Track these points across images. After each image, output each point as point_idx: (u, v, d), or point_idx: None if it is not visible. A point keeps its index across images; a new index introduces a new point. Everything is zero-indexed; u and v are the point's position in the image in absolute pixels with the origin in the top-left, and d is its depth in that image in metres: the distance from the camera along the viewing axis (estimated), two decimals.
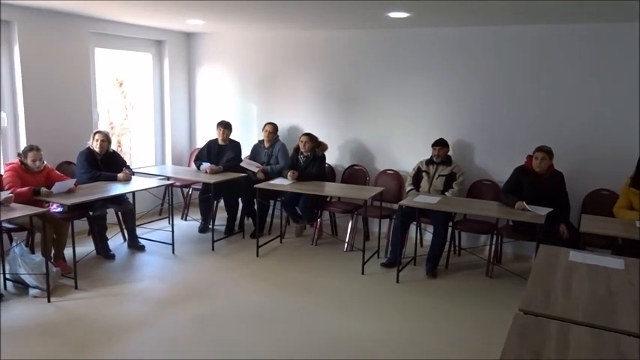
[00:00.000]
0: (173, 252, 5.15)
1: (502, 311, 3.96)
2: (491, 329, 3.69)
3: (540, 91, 4.98)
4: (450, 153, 5.15)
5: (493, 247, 4.84)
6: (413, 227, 5.20)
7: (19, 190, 4.16)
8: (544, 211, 4.19)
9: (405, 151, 5.65)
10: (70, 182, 4.42)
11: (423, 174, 5.12)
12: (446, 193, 4.95)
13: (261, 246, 5.23)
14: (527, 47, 4.97)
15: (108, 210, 5.08)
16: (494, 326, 3.73)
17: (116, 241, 5.28)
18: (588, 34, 4.69)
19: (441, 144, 5.07)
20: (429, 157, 5.16)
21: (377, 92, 5.74)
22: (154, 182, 5.30)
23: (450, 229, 4.95)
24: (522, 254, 5.20)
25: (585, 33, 4.70)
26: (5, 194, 3.96)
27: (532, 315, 2.21)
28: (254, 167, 5.75)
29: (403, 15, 4.54)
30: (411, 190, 5.13)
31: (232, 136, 5.96)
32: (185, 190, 6.43)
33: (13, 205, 3.96)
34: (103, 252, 4.95)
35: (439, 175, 5.03)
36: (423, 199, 4.64)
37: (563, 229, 4.32)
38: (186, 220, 6.33)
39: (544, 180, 4.48)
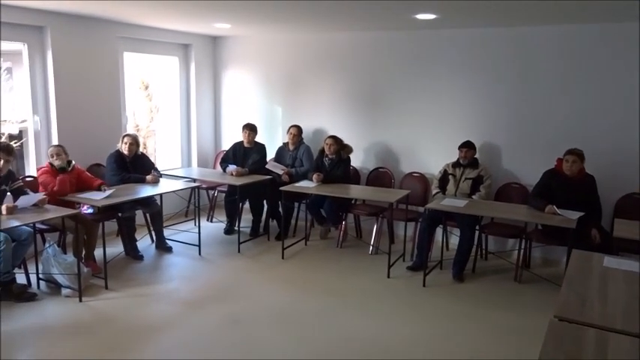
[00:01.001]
0: (200, 253, 5.21)
1: (532, 317, 3.91)
2: (521, 335, 3.64)
3: (570, 92, 4.89)
4: (476, 155, 5.10)
5: (522, 251, 4.76)
6: (439, 230, 5.15)
7: (57, 186, 4.28)
8: (575, 215, 4.11)
9: (430, 153, 5.61)
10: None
11: (450, 177, 5.08)
12: (473, 197, 4.89)
13: (286, 248, 5.24)
14: (555, 48, 4.89)
15: (136, 211, 5.16)
16: (524, 332, 3.67)
17: (144, 243, 5.36)
18: (621, 34, 4.58)
19: (467, 146, 5.02)
20: (455, 159, 5.11)
21: (402, 94, 5.71)
22: (180, 184, 5.37)
23: (476, 233, 4.89)
24: (551, 259, 5.11)
25: (618, 33, 4.60)
26: (39, 196, 4.05)
27: (567, 322, 2.16)
28: (279, 170, 5.78)
29: (430, 17, 4.51)
30: (437, 193, 5.09)
31: (257, 139, 6.00)
32: (211, 192, 6.49)
33: (46, 206, 4.05)
34: (132, 253, 5.03)
35: (466, 178, 4.98)
36: (450, 203, 4.60)
37: (595, 233, 4.24)
38: (211, 221, 6.39)
39: (575, 183, 4.40)
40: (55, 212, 3.99)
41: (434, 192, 5.14)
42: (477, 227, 4.88)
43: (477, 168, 5.00)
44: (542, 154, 4.96)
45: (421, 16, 4.52)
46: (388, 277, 4.70)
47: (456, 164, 5.09)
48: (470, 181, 4.96)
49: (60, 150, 4.46)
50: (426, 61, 5.53)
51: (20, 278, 4.14)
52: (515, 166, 5.23)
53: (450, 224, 4.98)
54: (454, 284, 4.59)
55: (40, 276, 4.26)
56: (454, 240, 5.21)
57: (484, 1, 3.75)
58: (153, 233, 5.40)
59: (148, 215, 5.38)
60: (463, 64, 5.35)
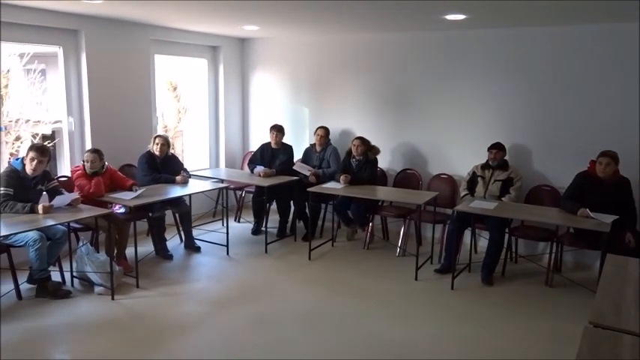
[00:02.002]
0: (228, 253, 5.26)
1: (565, 322, 3.84)
2: (553, 341, 3.57)
3: (603, 93, 4.78)
4: (506, 157, 5.02)
5: (553, 255, 4.67)
6: (467, 233, 5.09)
7: (93, 188, 4.40)
8: (609, 218, 4.02)
9: (459, 155, 5.55)
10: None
11: (479, 179, 5.02)
12: (503, 199, 4.82)
13: (313, 249, 5.26)
14: (588, 47, 4.78)
15: (166, 211, 5.24)
16: (556, 338, 3.61)
17: (173, 242, 5.44)
18: None
19: (497, 147, 4.95)
20: (484, 161, 5.05)
21: (430, 95, 5.67)
22: (209, 185, 5.44)
23: (506, 236, 4.82)
24: (583, 263, 5.00)
25: None
26: (73, 196, 4.15)
27: (603, 328, 2.12)
28: (306, 171, 5.80)
29: (460, 17, 4.47)
30: (465, 195, 5.03)
31: (284, 140, 6.04)
32: (238, 192, 6.56)
33: (80, 206, 4.16)
34: (162, 252, 5.11)
35: (495, 180, 4.91)
36: (480, 205, 4.54)
37: (630, 237, 4.13)
38: (239, 222, 6.45)
39: (608, 186, 4.30)
40: (88, 212, 4.09)
41: (462, 194, 5.08)
42: (507, 230, 4.80)
43: (507, 170, 4.93)
44: (575, 156, 4.86)
45: (450, 17, 4.48)
46: (416, 279, 4.67)
47: (485, 166, 5.02)
48: (499, 183, 4.89)
49: (95, 157, 4.54)
50: (454, 61, 5.48)
51: (55, 276, 4.25)
52: (546, 168, 5.13)
53: (479, 227, 4.92)
54: (483, 287, 4.53)
55: (74, 274, 4.37)
56: (482, 242, 5.14)
57: (516, 0, 3.70)
58: (182, 233, 5.48)
59: (177, 215, 5.47)
60: (493, 65, 5.28)
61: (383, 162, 5.83)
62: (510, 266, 4.98)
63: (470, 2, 3.84)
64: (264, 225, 5.81)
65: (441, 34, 5.48)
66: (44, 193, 4.19)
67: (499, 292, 4.43)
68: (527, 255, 5.16)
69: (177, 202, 5.18)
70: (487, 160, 5.00)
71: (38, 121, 10.73)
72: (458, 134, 5.56)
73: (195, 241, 5.44)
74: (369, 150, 5.49)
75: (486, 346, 3.50)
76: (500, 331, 3.73)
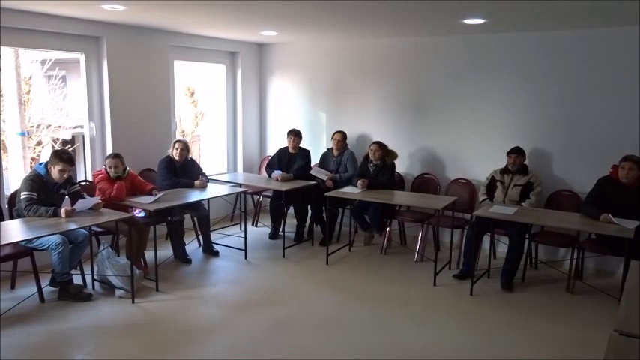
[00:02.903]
0: (245, 257, 5.29)
1: (587, 329, 3.78)
2: (575, 348, 3.52)
3: (625, 97, 4.71)
4: (526, 162, 4.98)
5: (574, 261, 4.60)
6: (485, 238, 5.04)
7: (115, 192, 4.48)
8: (632, 224, 3.96)
9: (477, 159, 5.51)
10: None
11: (498, 184, 4.98)
12: (522, 204, 4.78)
13: (330, 254, 5.26)
14: (609, 51, 4.72)
15: (185, 216, 5.29)
16: (578, 345, 3.56)
17: (192, 246, 5.48)
18: None
19: (517, 152, 4.91)
20: (503, 166, 5.01)
21: (448, 99, 5.64)
22: (227, 189, 5.48)
23: (526, 241, 4.77)
24: (605, 269, 4.92)
25: None
26: (95, 200, 4.22)
27: (628, 336, 2.08)
28: (323, 175, 5.80)
29: (479, 21, 4.45)
30: (484, 200, 5.00)
31: (302, 144, 6.06)
32: (255, 197, 6.59)
33: (101, 210, 4.21)
34: (181, 256, 5.16)
35: (515, 185, 4.87)
36: (499, 210, 4.51)
37: None
38: (256, 226, 6.48)
39: (631, 191, 4.23)
40: (109, 216, 4.14)
41: (481, 199, 5.05)
42: (527, 235, 4.76)
43: (527, 175, 4.89)
44: (596, 161, 4.80)
45: (470, 21, 4.46)
46: (434, 284, 4.64)
47: (504, 171, 4.98)
48: (519, 188, 4.84)
49: (118, 162, 4.62)
50: (473, 65, 5.45)
51: (76, 279, 4.31)
52: (566, 173, 5.07)
53: (498, 232, 4.87)
54: (503, 293, 4.49)
55: (95, 277, 4.43)
56: (501, 248, 5.10)
57: (537, 1, 3.65)
58: (200, 237, 5.52)
59: (195, 219, 5.51)
60: (512, 69, 5.24)
61: (400, 167, 5.82)
62: (530, 272, 4.93)
63: (489, 6, 3.82)
64: (281, 229, 5.83)
65: (460, 39, 5.46)
66: (66, 197, 4.25)
67: (519, 299, 4.39)
68: (547, 261, 5.09)
69: (196, 207, 5.23)
70: (506, 165, 4.97)
71: (59, 127, 10.94)
72: (476, 139, 5.52)
73: (214, 245, 5.48)
74: (386, 155, 5.48)
75: (507, 354, 3.46)
76: (522, 338, 3.68)
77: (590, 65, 4.84)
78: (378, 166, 5.46)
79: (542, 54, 5.07)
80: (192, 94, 12.90)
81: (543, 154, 5.17)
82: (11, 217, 4.21)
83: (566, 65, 4.96)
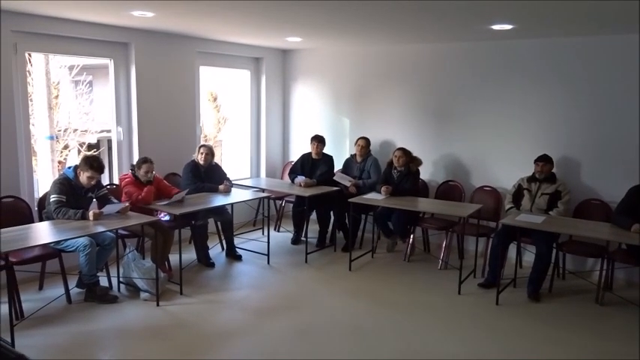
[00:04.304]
0: (268, 262, 5.29)
1: (617, 342, 3.69)
2: None
3: None
4: (554, 170, 4.89)
5: (604, 271, 4.49)
6: (511, 247, 4.96)
7: (144, 195, 4.54)
8: None
9: (503, 167, 5.44)
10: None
11: (525, 192, 4.90)
12: (550, 213, 4.69)
13: (353, 260, 5.23)
14: (638, 57, 4.63)
15: (208, 220, 5.32)
16: (607, 358, 3.46)
17: (215, 250, 5.51)
18: None
19: (544, 160, 4.82)
20: (530, 174, 4.93)
21: (474, 106, 5.59)
22: (250, 194, 5.50)
23: (554, 251, 4.67)
24: (636, 281, 4.79)
25: None
26: (123, 205, 4.26)
27: None
28: (346, 181, 5.78)
29: (507, 27, 4.40)
30: (510, 208, 4.92)
31: (325, 150, 6.05)
32: (278, 202, 6.60)
33: (128, 213, 4.26)
34: (204, 260, 5.18)
35: (542, 194, 4.79)
36: (527, 218, 4.43)
37: None
38: (278, 231, 6.49)
39: None
40: (136, 219, 4.19)
41: (507, 207, 4.97)
42: (554, 245, 4.66)
43: (555, 183, 4.80)
44: (626, 170, 4.70)
45: (497, 27, 4.41)
46: (459, 293, 4.58)
47: (531, 179, 4.90)
48: (547, 197, 4.76)
49: (152, 167, 4.70)
50: (500, 71, 5.39)
51: (103, 281, 4.36)
52: (596, 182, 4.97)
53: (525, 241, 4.79)
54: (529, 303, 4.40)
55: (121, 279, 4.48)
56: (527, 257, 5.01)
57: (566, 1, 3.58)
58: (224, 241, 5.55)
59: (219, 223, 5.54)
60: (539, 75, 5.16)
61: (425, 173, 5.77)
62: (558, 282, 4.83)
63: (519, 12, 3.78)
64: (303, 235, 5.83)
65: (487, 44, 5.40)
66: (94, 200, 4.32)
67: (547, 309, 4.30)
68: (575, 271, 4.99)
69: (220, 211, 5.26)
70: (534, 173, 4.88)
71: (85, 131, 11.15)
72: (502, 146, 5.45)
73: (237, 249, 5.50)
74: (411, 161, 5.43)
75: None
76: (549, 349, 3.60)
77: (622, 71, 4.74)
78: (402, 173, 5.42)
79: (571, 59, 4.98)
80: (214, 99, 13.03)
81: (572, 161, 5.07)
82: (40, 220, 4.28)
83: (597, 71, 4.87)
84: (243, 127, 6.95)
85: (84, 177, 4.13)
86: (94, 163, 4.14)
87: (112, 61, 5.18)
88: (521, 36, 4.99)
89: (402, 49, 5.97)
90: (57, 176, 4.31)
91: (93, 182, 4.18)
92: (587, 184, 5.01)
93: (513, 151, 5.37)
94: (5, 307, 3.53)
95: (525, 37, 5.04)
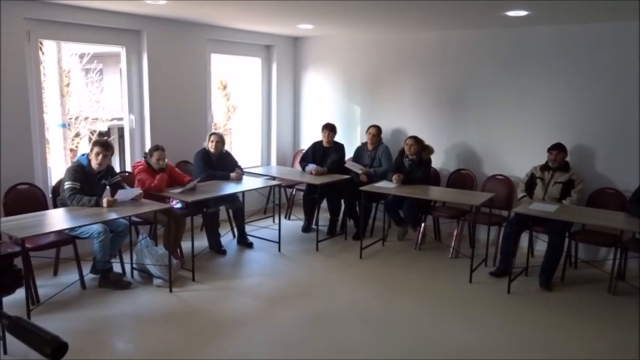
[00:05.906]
0: (279, 250, 5.31)
1: (629, 332, 3.67)
2: (618, 351, 3.43)
3: None
4: (567, 158, 4.84)
5: (617, 261, 4.46)
6: (523, 236, 4.93)
7: (157, 183, 4.57)
8: None
9: (515, 155, 5.40)
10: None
11: (537, 180, 4.86)
12: (563, 201, 4.66)
13: (364, 248, 5.24)
14: None
15: (220, 207, 5.34)
16: (621, 348, 3.46)
17: (226, 238, 5.54)
18: None
19: (558, 148, 4.78)
20: (543, 162, 4.89)
21: (486, 94, 5.53)
22: (262, 182, 5.51)
23: (566, 240, 4.65)
24: None
25: None
26: (136, 191, 4.29)
27: None
28: (357, 169, 5.78)
29: (522, 13, 4.34)
30: (523, 196, 4.89)
31: (336, 138, 6.03)
32: (289, 190, 6.61)
33: (141, 200, 4.29)
34: (216, 247, 5.22)
35: (555, 182, 4.75)
36: (540, 207, 4.40)
37: None
38: (289, 219, 6.51)
39: None
40: (149, 206, 4.22)
41: (520, 196, 4.94)
42: (567, 234, 4.63)
43: (568, 172, 4.76)
44: None
45: (512, 13, 4.35)
46: (470, 281, 4.57)
47: (544, 167, 4.86)
48: (560, 186, 4.72)
49: (164, 154, 4.72)
50: (514, 59, 5.33)
51: (116, 267, 4.41)
52: (610, 171, 4.92)
53: (537, 229, 4.76)
54: (541, 292, 4.39)
55: (134, 266, 4.52)
56: (539, 246, 4.99)
57: None
58: (235, 229, 5.57)
59: (230, 211, 5.56)
60: (554, 63, 5.10)
61: (436, 162, 5.74)
62: (570, 271, 4.81)
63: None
64: (314, 223, 5.84)
65: (501, 31, 5.34)
66: (107, 187, 4.34)
67: (559, 298, 4.28)
68: (588, 260, 4.96)
69: (231, 199, 5.27)
70: (547, 162, 4.84)
71: (96, 119, 11.20)
72: (515, 134, 5.40)
73: (248, 237, 5.52)
74: (422, 150, 5.41)
75: (545, 354, 3.39)
76: (561, 338, 3.60)
77: (637, 58, 4.65)
78: (414, 161, 5.40)
79: (585, 47, 4.91)
80: (224, 87, 13.02)
81: (586, 150, 5.02)
82: (55, 206, 4.32)
83: (612, 59, 4.79)
84: (254, 115, 6.94)
85: (93, 156, 4.17)
86: (99, 142, 4.22)
87: (124, 48, 5.18)
88: (536, 22, 4.92)
89: (415, 37, 5.91)
90: (70, 163, 4.34)
91: (102, 161, 4.17)
92: (602, 173, 4.96)
93: (526, 139, 5.32)
94: (22, 292, 3.58)
95: (540, 23, 4.98)
